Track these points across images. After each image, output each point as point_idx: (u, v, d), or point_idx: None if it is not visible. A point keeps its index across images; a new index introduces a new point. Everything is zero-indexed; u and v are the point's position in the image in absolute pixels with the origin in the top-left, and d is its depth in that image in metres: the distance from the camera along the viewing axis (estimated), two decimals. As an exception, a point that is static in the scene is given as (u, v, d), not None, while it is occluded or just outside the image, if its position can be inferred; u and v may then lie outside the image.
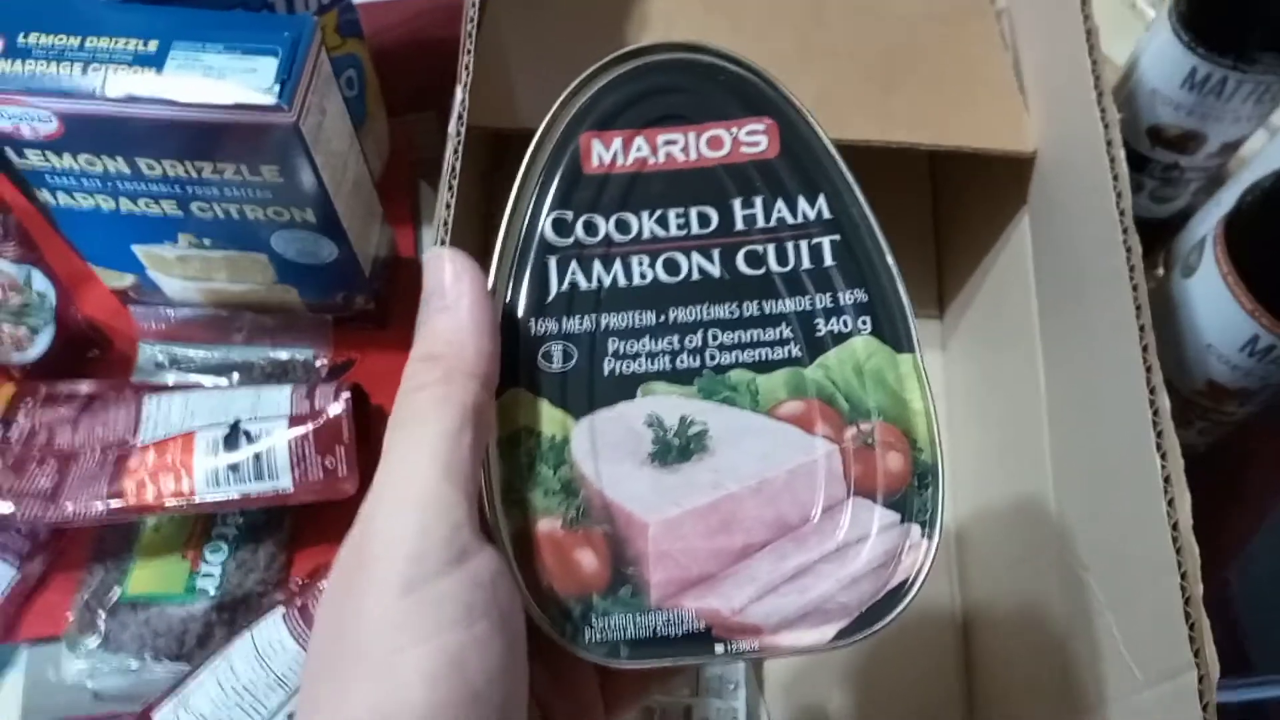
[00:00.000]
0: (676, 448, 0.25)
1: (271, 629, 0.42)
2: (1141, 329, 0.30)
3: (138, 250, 0.47)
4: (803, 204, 0.27)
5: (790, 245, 0.26)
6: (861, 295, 0.26)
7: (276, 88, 0.38)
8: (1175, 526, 0.27)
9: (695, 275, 0.26)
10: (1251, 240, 0.39)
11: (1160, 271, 0.47)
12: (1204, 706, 0.24)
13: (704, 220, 0.27)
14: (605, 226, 0.26)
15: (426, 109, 0.59)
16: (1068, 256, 0.38)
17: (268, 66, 0.38)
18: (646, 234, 0.26)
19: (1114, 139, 0.33)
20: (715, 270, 0.26)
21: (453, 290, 0.24)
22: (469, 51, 0.35)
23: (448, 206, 0.31)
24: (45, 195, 0.44)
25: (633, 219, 0.26)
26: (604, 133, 0.27)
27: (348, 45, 0.49)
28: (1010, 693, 0.41)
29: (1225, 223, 0.40)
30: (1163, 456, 0.28)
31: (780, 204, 0.27)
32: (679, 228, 0.26)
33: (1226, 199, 0.44)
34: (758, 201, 0.27)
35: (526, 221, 0.26)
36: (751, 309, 0.26)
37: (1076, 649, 0.34)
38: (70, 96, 0.38)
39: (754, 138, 0.27)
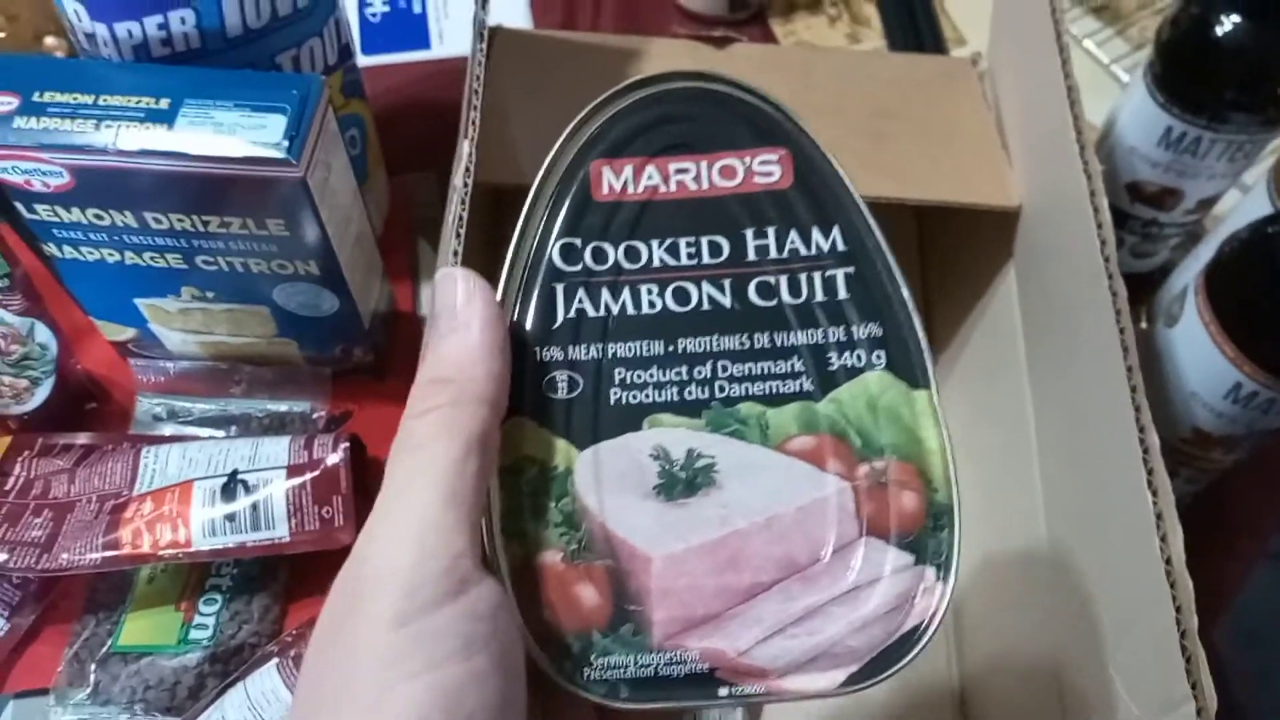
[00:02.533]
0: (683, 481, 0.25)
1: (265, 679, 0.42)
2: (1129, 369, 0.30)
3: (140, 304, 0.48)
4: (816, 235, 0.26)
5: (803, 277, 0.26)
6: (876, 329, 0.25)
7: (285, 143, 0.39)
8: (1169, 561, 0.27)
9: (705, 305, 0.26)
10: (1231, 289, 0.40)
11: (1144, 325, 0.48)
12: (1202, 738, 0.24)
13: (715, 250, 0.26)
14: (614, 254, 0.26)
15: (426, 169, 0.61)
16: (1055, 305, 0.39)
17: (277, 123, 0.39)
18: (656, 263, 0.26)
19: (1097, 189, 0.34)
20: (726, 301, 0.26)
21: (464, 311, 0.23)
22: (475, 107, 0.36)
23: (455, 254, 0.32)
24: (51, 248, 0.44)
25: (642, 247, 0.26)
26: (615, 160, 0.27)
27: (351, 105, 0.50)
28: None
29: (1206, 273, 0.41)
30: (1154, 493, 0.29)
31: (793, 235, 0.26)
32: (689, 257, 0.26)
33: (1204, 253, 0.45)
34: (770, 232, 0.26)
35: (534, 247, 0.26)
36: (762, 341, 0.25)
37: (1073, 682, 0.34)
38: (83, 151, 0.39)
39: (767, 168, 0.27)
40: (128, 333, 0.50)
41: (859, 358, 0.25)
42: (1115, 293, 0.32)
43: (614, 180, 0.27)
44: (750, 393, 0.25)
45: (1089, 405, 0.34)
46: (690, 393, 0.25)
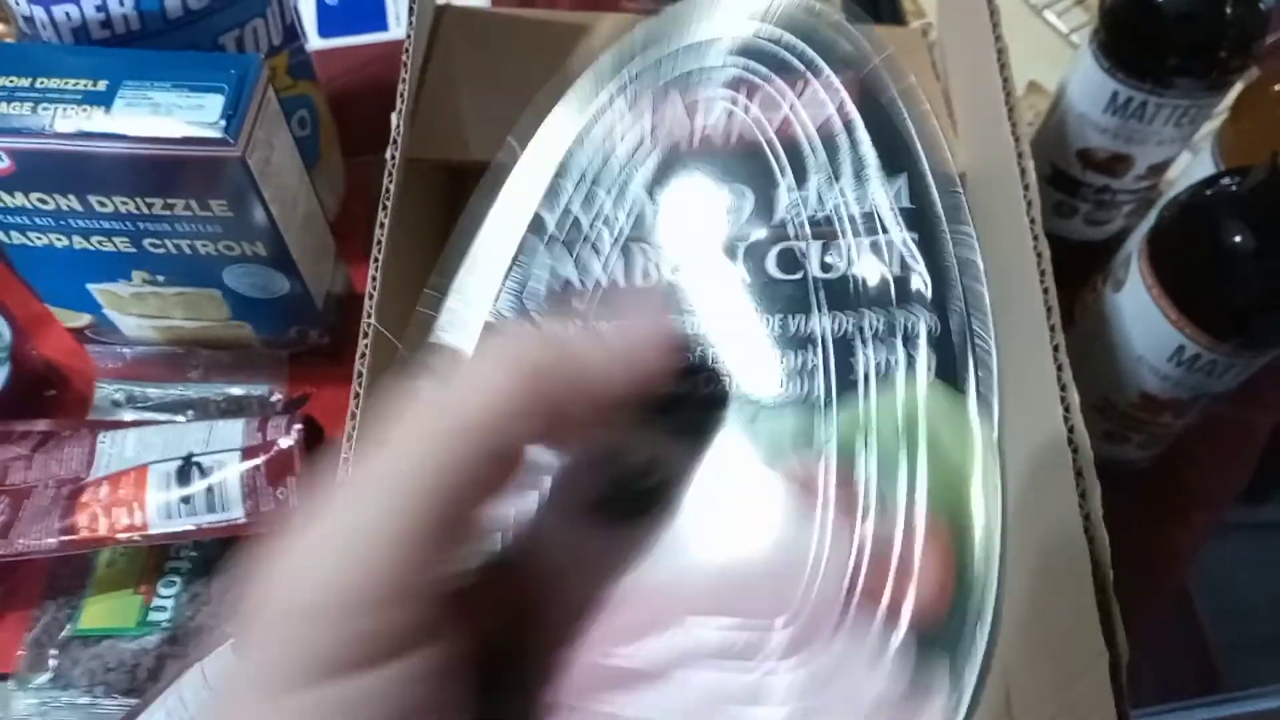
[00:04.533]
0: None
1: (221, 660, 0.42)
2: (1051, 329, 0.31)
3: (93, 289, 0.48)
4: (875, 187, 0.20)
5: (844, 243, 0.20)
6: (932, 321, 0.19)
7: (223, 122, 0.39)
8: (1088, 517, 0.27)
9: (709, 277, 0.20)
10: (1173, 253, 0.41)
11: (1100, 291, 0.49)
12: (1118, 689, 0.25)
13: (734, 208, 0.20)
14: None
15: (382, 150, 0.60)
16: (993, 269, 0.39)
17: (214, 103, 0.39)
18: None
19: (1024, 151, 0.34)
20: (734, 272, 0.20)
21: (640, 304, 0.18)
22: (406, 80, 0.36)
23: (381, 226, 0.32)
24: (-1, 235, 0.44)
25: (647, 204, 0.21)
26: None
27: (299, 87, 0.50)
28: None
29: (1148, 237, 0.42)
30: (1074, 450, 0.29)
31: (843, 187, 0.20)
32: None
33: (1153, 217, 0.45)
34: (811, 183, 0.20)
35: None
36: (772, 325, 0.20)
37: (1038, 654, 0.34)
38: (20, 135, 0.39)
39: (822, 99, 0.21)
40: (83, 319, 0.50)
41: (895, 358, 0.19)
42: (1040, 254, 0.32)
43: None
44: (740, 392, 0.19)
45: (1019, 365, 0.34)
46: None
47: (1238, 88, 0.48)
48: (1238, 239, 0.38)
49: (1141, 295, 0.41)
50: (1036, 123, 0.55)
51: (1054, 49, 0.66)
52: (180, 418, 0.51)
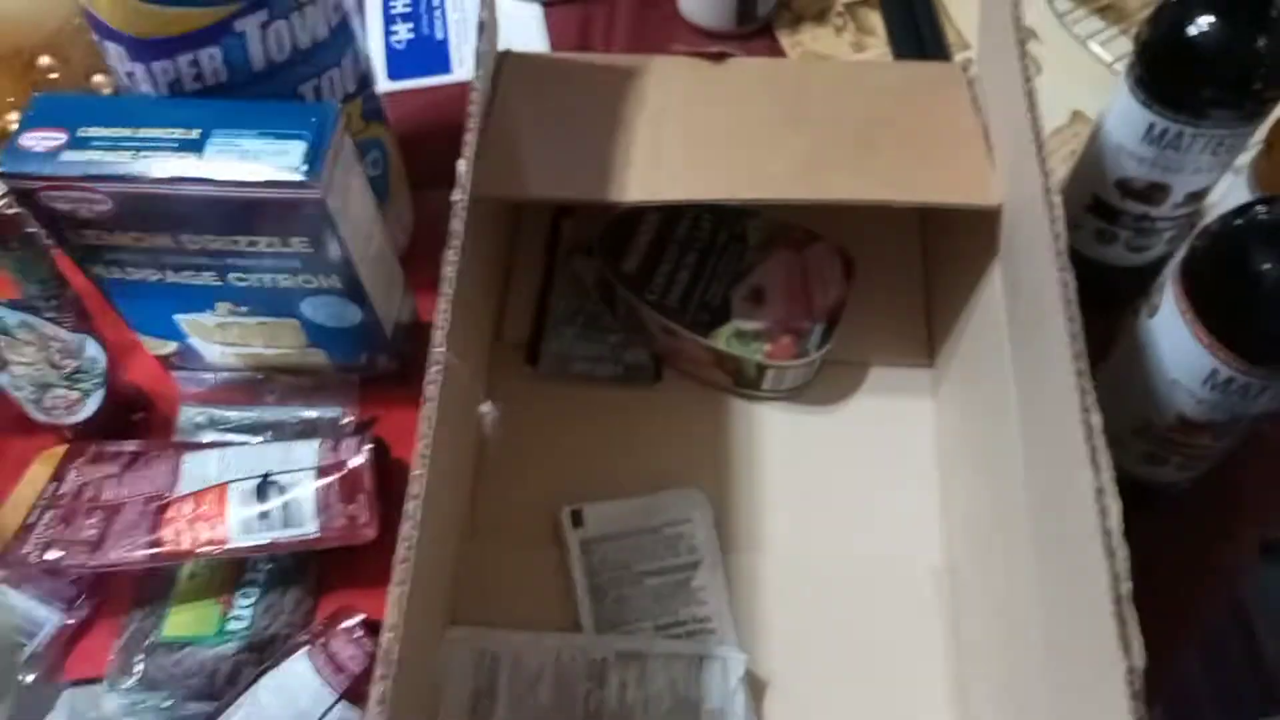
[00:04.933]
0: None
1: (296, 666, 0.45)
2: (1076, 355, 0.32)
3: (180, 319, 0.52)
4: None
5: None
6: None
7: (305, 167, 0.42)
8: (1108, 533, 0.29)
9: None
10: (1205, 279, 0.42)
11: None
12: (1133, 697, 0.26)
13: None
14: None
15: (447, 185, 0.64)
16: (1029, 299, 0.40)
17: (297, 149, 0.43)
18: None
19: (1052, 187, 0.36)
20: None
21: None
22: (472, 130, 0.39)
23: (451, 264, 0.35)
24: (98, 269, 0.48)
25: None
26: None
27: (371, 129, 0.54)
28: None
29: (1181, 264, 0.43)
30: (1095, 469, 0.30)
31: None
32: None
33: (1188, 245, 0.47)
34: None
35: None
36: None
37: (1058, 659, 0.35)
38: (123, 181, 0.43)
39: None
40: (170, 347, 0.54)
41: None
42: (1066, 283, 0.34)
43: None
44: None
45: (1049, 391, 0.35)
46: None
47: (1275, 115, 0.49)
48: (1267, 266, 0.39)
49: (1175, 321, 0.42)
50: (1071, 156, 0.56)
51: (1098, 78, 0.67)
52: (258, 438, 0.54)
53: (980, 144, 0.49)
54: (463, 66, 0.70)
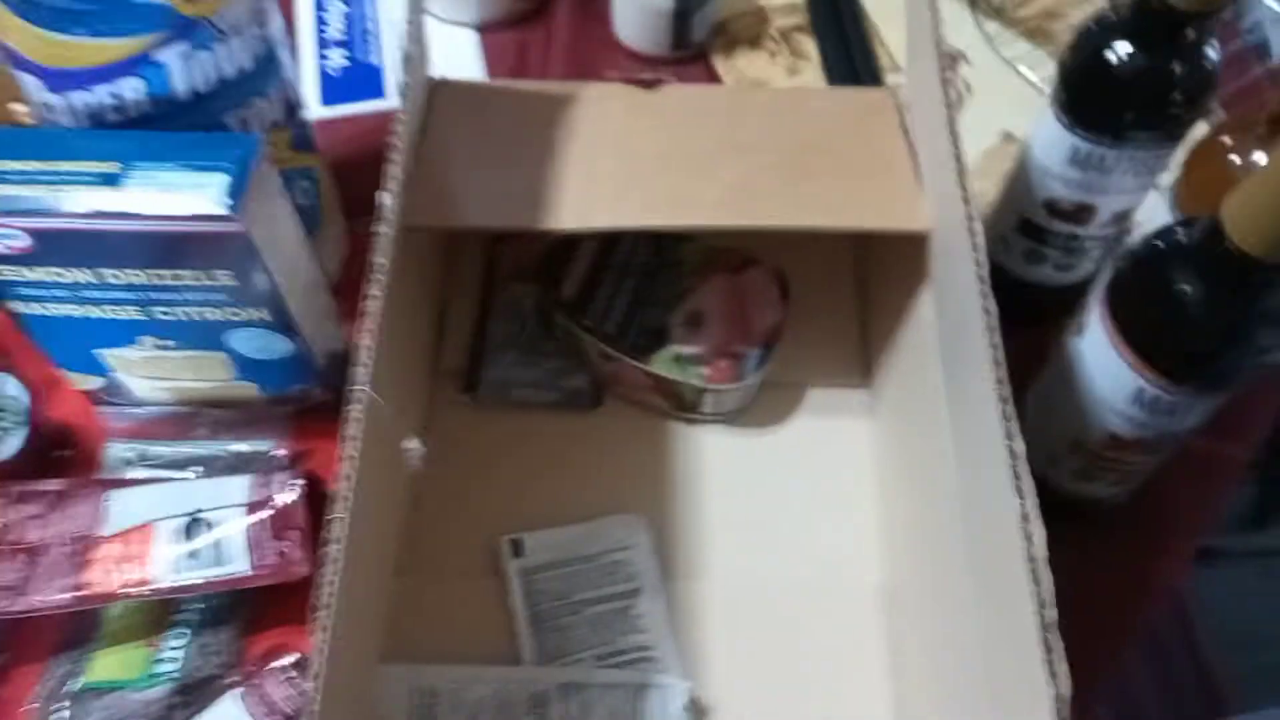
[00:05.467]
0: None
1: (227, 708, 0.44)
2: (999, 382, 0.32)
3: (104, 354, 0.50)
4: None
5: None
6: None
7: (228, 200, 0.42)
8: (1033, 559, 0.29)
9: None
10: (1128, 301, 0.42)
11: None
12: (1060, 722, 0.26)
13: None
14: None
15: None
16: (956, 323, 0.41)
17: (219, 181, 0.42)
18: None
19: (974, 214, 0.36)
20: None
21: None
22: (395, 161, 0.39)
23: (374, 298, 0.34)
24: (17, 305, 0.47)
25: None
26: None
27: (300, 158, 0.53)
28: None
29: (1106, 286, 0.44)
30: (1020, 497, 0.31)
31: None
32: None
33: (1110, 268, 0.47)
34: None
35: None
36: None
37: (990, 683, 0.36)
38: (39, 215, 0.42)
39: None
40: (95, 381, 0.53)
41: None
42: (988, 310, 0.34)
43: None
44: None
45: (975, 417, 0.36)
46: None
47: (1195, 137, 0.50)
48: (1187, 287, 0.40)
49: (1102, 341, 0.43)
50: (1001, 178, 0.57)
51: (1028, 99, 0.69)
52: (188, 474, 0.53)
53: (909, 169, 0.49)
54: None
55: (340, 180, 0.60)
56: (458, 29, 0.72)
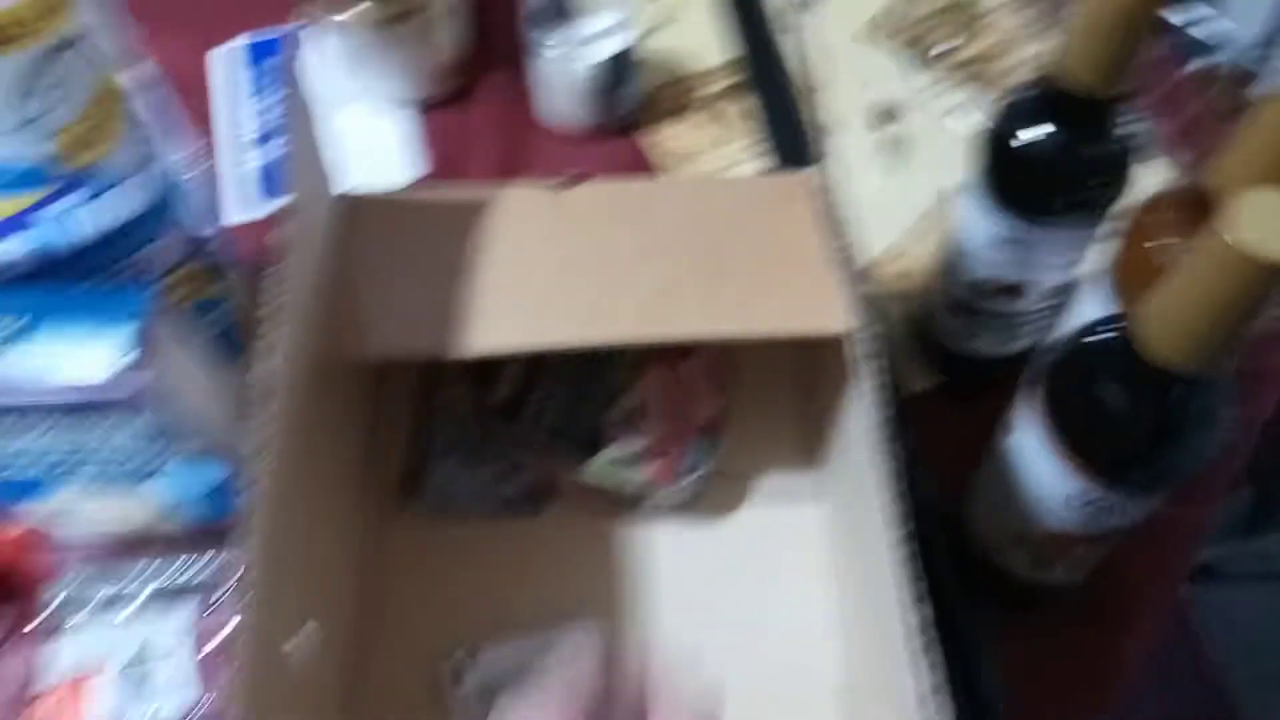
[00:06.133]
0: None
1: None
2: (896, 545, 0.31)
3: (38, 499, 0.49)
4: None
5: None
6: None
7: (134, 353, 0.41)
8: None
9: None
10: (1058, 403, 0.41)
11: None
12: None
13: None
14: None
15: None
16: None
17: (122, 335, 0.41)
18: None
19: (866, 325, 0.35)
20: None
21: None
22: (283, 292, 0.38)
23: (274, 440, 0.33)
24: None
25: None
26: None
27: (211, 289, 0.52)
28: None
29: (1038, 379, 0.42)
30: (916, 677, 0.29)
31: None
32: None
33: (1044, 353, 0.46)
34: None
35: None
36: None
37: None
38: (-68, 387, 0.41)
39: None
40: (34, 520, 0.51)
41: None
42: (882, 463, 0.33)
43: None
44: None
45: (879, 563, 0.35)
46: None
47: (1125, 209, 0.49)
48: (1113, 392, 0.38)
49: (1034, 442, 0.42)
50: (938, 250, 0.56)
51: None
52: (136, 601, 0.51)
53: (827, 264, 0.48)
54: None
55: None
56: (396, 109, 0.71)
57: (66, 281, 0.44)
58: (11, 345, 0.41)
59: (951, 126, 0.69)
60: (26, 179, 0.42)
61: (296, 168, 0.44)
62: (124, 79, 0.45)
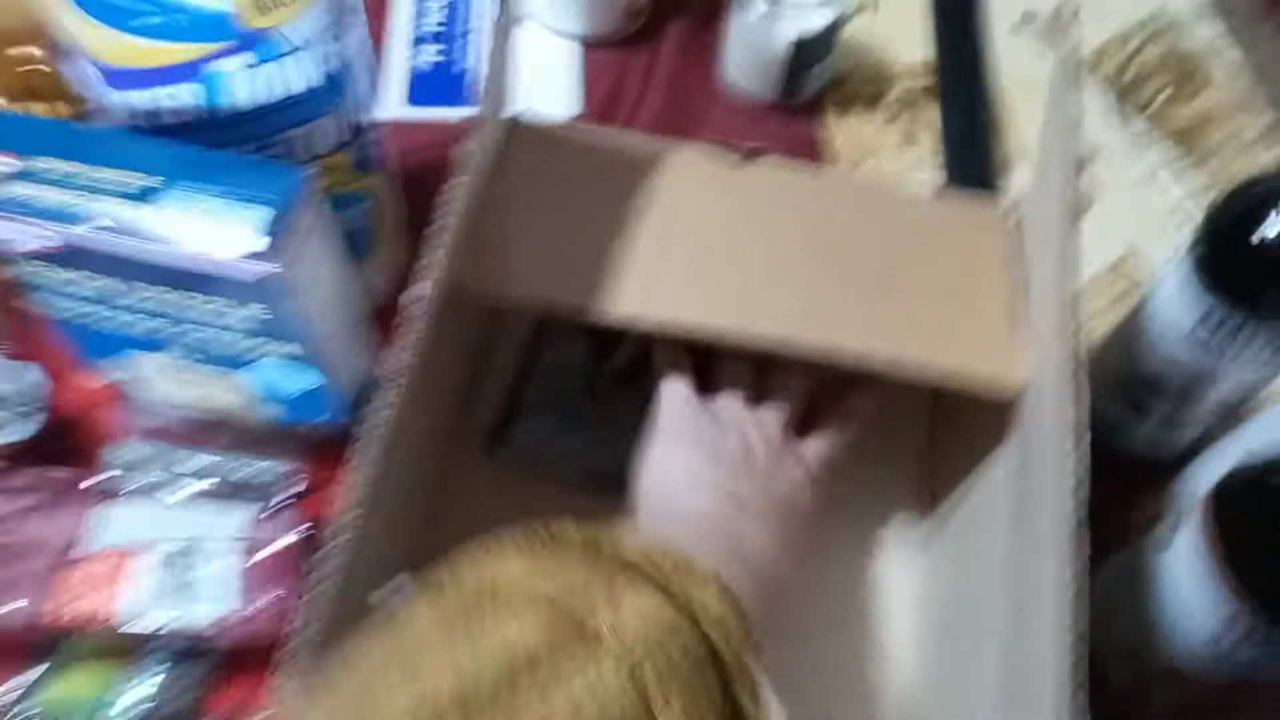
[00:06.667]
0: None
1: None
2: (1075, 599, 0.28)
3: (124, 358, 0.48)
4: None
5: None
6: None
7: (267, 239, 0.38)
8: None
9: None
10: (1241, 524, 0.37)
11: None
12: None
13: None
14: None
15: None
16: (1033, 495, 0.36)
17: (258, 217, 0.39)
18: None
19: (1083, 382, 0.32)
20: None
21: None
22: (451, 214, 0.36)
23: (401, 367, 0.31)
24: (40, 301, 0.45)
25: None
26: None
27: (360, 181, 0.50)
28: None
29: (1211, 507, 0.38)
30: None
31: None
32: None
33: (1216, 463, 0.42)
34: None
35: None
36: None
37: None
38: (68, 222, 0.39)
39: None
40: (116, 377, 0.50)
41: None
42: (1080, 520, 0.29)
43: None
44: None
45: (1036, 640, 0.31)
46: None
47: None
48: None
49: (1193, 562, 0.38)
50: (1119, 301, 0.51)
51: (1158, 213, 0.62)
52: (195, 486, 0.50)
53: (1005, 310, 0.43)
54: (486, 100, 0.66)
55: (415, 186, 0.56)
56: (561, 40, 0.68)
57: (232, 138, 0.42)
58: (139, 203, 0.39)
59: (1160, 180, 0.63)
60: (205, 27, 0.40)
61: (492, 86, 0.41)
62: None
